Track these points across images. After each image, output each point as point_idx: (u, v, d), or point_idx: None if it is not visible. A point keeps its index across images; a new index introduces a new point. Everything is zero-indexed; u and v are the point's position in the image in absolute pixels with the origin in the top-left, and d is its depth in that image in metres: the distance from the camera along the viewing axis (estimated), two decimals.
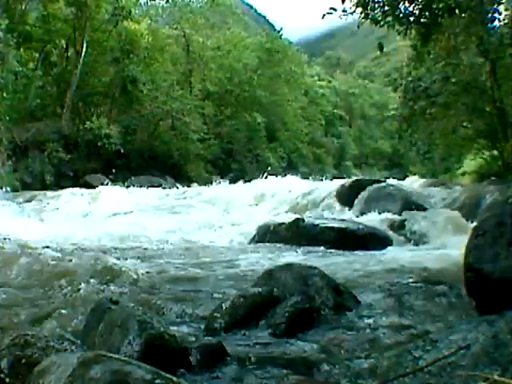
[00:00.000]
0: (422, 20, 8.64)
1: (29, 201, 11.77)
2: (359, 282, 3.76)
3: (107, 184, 15.66)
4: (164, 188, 15.34)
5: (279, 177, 15.61)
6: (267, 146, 31.73)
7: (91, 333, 2.29)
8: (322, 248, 5.51)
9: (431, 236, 6.05)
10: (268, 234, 6.37)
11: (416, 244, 5.94)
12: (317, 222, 6.28)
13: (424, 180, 16.09)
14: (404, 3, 8.62)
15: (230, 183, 15.77)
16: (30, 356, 2.01)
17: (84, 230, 6.96)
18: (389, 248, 5.65)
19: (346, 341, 2.51)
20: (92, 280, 3.77)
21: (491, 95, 12.33)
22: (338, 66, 73.76)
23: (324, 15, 7.72)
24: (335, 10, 7.77)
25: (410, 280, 3.67)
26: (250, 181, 14.90)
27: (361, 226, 6.14)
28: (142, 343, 2.09)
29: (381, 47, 8.34)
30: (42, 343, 2.12)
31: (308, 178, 15.82)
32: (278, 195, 10.17)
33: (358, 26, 8.78)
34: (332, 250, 5.38)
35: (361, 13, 8.49)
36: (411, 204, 7.58)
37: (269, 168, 19.87)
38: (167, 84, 24.42)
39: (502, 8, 10.91)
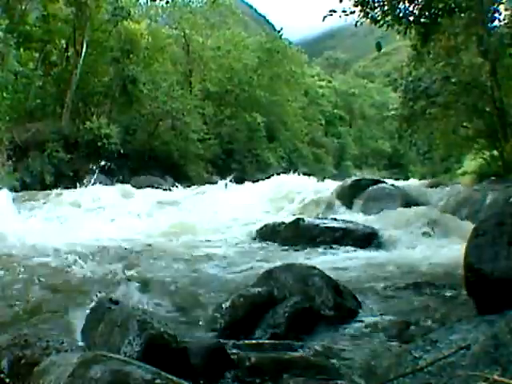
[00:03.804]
0: (421, 20, 8.64)
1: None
2: (359, 281, 3.76)
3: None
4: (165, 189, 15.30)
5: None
6: (267, 146, 31.71)
7: (91, 333, 2.29)
8: (322, 248, 5.51)
9: (430, 235, 6.04)
10: (268, 234, 6.37)
11: (414, 243, 5.93)
12: (317, 221, 6.28)
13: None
14: (404, 3, 8.62)
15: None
16: (30, 356, 2.01)
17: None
18: (388, 247, 5.65)
19: (346, 341, 2.51)
20: (92, 279, 3.77)
21: (491, 95, 12.33)
22: (337, 67, 73.78)
23: (325, 17, 7.73)
24: (335, 11, 7.77)
25: (410, 279, 3.67)
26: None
27: (360, 226, 6.13)
28: (142, 343, 2.09)
29: (379, 47, 8.33)
30: (42, 343, 2.12)
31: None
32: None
33: (356, 25, 8.78)
34: (332, 250, 5.38)
35: (360, 11, 8.49)
36: (410, 204, 7.58)
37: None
38: (167, 84, 24.40)
39: (502, 8, 10.91)
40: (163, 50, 26.38)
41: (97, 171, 16.44)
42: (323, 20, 7.71)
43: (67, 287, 3.62)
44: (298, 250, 5.49)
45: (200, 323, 2.80)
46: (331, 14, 7.62)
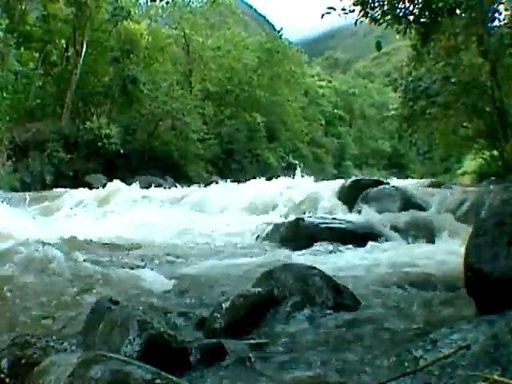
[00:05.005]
0: (421, 19, 8.64)
1: None
2: (359, 281, 3.75)
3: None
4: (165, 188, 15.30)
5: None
6: (267, 146, 31.73)
7: (91, 333, 2.29)
8: (322, 248, 5.51)
9: (430, 236, 6.04)
10: (268, 234, 6.37)
11: (415, 243, 5.93)
12: (317, 221, 6.27)
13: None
14: (404, 2, 8.62)
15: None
16: (30, 356, 2.01)
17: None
18: (389, 247, 5.65)
19: (346, 341, 2.51)
20: (93, 279, 3.77)
21: (491, 95, 12.35)
22: (337, 67, 73.83)
23: (323, 15, 7.72)
24: (334, 9, 7.77)
25: (410, 279, 3.67)
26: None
27: (361, 226, 6.13)
28: (142, 343, 2.09)
29: (378, 46, 8.33)
30: (42, 343, 2.12)
31: None
32: None
33: (356, 24, 8.78)
34: (332, 250, 5.38)
35: (360, 11, 8.49)
36: (411, 204, 7.58)
37: None
38: (167, 84, 24.43)
39: (502, 8, 10.91)
40: (163, 50, 26.42)
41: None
42: (322, 17, 7.71)
43: (68, 287, 3.62)
44: (298, 250, 5.49)
45: (200, 323, 2.80)
46: (329, 12, 7.61)
